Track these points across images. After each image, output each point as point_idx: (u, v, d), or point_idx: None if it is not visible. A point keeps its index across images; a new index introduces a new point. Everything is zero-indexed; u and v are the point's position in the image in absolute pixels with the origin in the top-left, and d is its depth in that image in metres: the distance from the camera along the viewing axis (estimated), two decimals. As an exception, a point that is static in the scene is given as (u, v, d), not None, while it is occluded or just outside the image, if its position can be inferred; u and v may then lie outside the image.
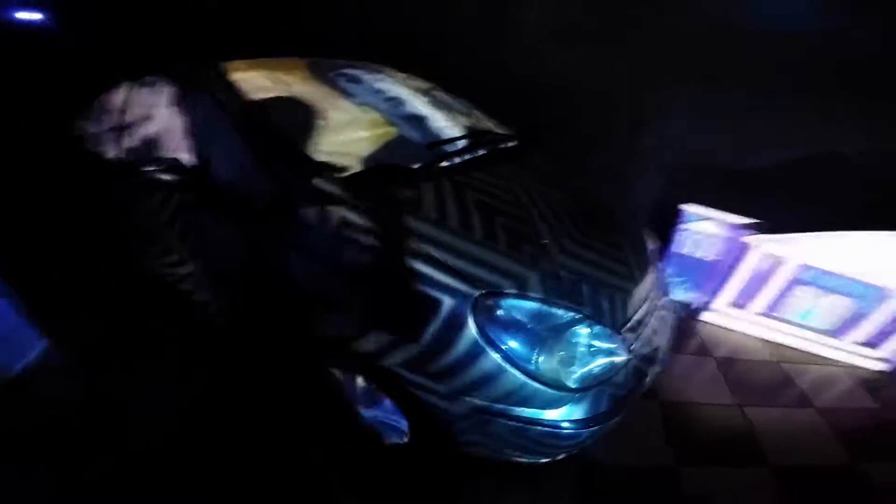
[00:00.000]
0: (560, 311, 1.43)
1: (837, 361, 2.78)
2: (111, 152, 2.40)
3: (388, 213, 1.53)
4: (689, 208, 2.94)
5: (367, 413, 1.82)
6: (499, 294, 1.40)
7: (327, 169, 1.67)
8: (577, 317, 1.44)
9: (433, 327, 1.40)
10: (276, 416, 2.00)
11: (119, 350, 2.29)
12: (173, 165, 1.79)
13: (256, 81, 2.01)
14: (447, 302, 1.38)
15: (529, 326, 1.40)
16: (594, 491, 1.85)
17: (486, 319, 1.38)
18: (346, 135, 1.92)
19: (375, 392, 1.72)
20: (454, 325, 1.38)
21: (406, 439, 1.77)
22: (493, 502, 1.79)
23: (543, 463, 1.63)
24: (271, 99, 1.94)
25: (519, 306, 1.41)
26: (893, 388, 2.62)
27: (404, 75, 2.72)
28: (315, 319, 1.63)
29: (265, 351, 2.11)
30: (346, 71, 2.45)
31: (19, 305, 2.17)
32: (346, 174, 1.67)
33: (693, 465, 1.96)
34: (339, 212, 1.54)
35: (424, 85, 2.68)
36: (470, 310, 1.37)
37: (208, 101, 1.92)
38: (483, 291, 1.39)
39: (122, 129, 2.37)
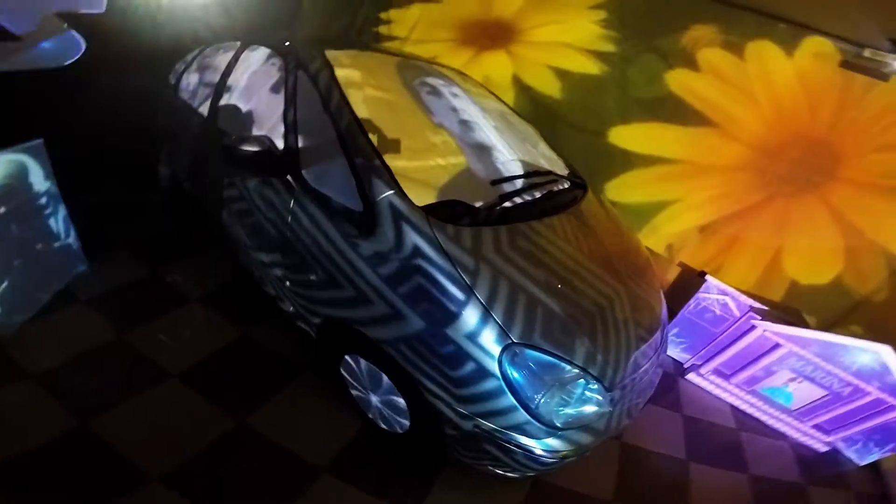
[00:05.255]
0: (567, 367, 1.70)
1: (789, 437, 3.20)
2: (203, 108, 2.53)
3: (451, 249, 1.71)
4: (712, 280, 3.23)
5: (374, 400, 2.13)
6: (524, 345, 1.66)
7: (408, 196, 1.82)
8: (581, 374, 1.72)
9: (467, 359, 1.67)
10: (281, 386, 2.33)
11: (151, 297, 2.56)
12: (268, 149, 1.93)
13: (353, 79, 2.14)
14: (481, 342, 1.65)
15: (540, 374, 1.68)
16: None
17: (510, 362, 1.65)
18: (425, 160, 2.08)
19: (390, 386, 2.00)
20: (484, 360, 1.66)
21: (399, 430, 2.12)
22: (456, 499, 2.15)
23: (508, 476, 1.95)
24: (368, 105, 2.08)
25: (538, 359, 1.67)
26: (824, 469, 3.03)
27: (478, 90, 2.79)
28: (368, 322, 1.87)
29: (297, 327, 2.33)
30: (428, 80, 2.54)
31: (73, 228, 2.40)
32: (423, 204, 1.82)
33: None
34: (413, 238, 1.73)
35: (496, 105, 2.75)
36: (498, 353, 1.64)
37: (314, 91, 2.04)
38: (514, 341, 1.65)
39: (220, 89, 2.48)
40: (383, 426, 2.21)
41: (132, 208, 3.20)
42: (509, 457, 1.80)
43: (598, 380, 1.75)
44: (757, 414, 3.27)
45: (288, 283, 2.23)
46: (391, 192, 1.79)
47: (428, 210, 1.80)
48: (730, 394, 3.32)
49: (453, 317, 1.67)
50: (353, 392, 2.25)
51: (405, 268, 1.73)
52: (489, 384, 1.68)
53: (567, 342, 1.73)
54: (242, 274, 2.62)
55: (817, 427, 3.17)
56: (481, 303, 1.66)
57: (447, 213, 1.83)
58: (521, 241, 1.92)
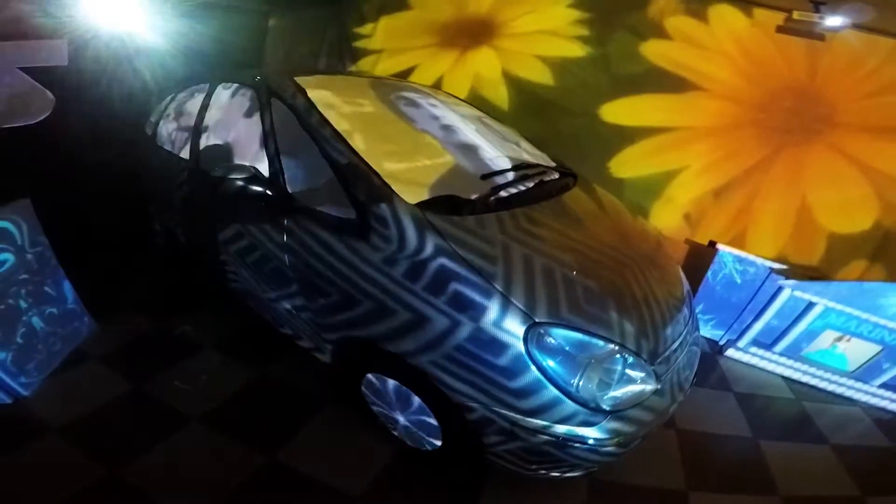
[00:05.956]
0: (601, 343, 1.58)
1: (859, 402, 2.92)
2: (185, 152, 2.53)
3: (452, 238, 1.66)
4: (724, 248, 3.14)
5: (401, 419, 2.01)
6: (549, 324, 1.56)
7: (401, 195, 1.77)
8: (615, 348, 1.59)
9: (488, 348, 1.56)
10: (306, 419, 2.24)
11: (162, 349, 2.53)
12: (254, 175, 1.90)
13: (327, 99, 2.15)
14: (504, 327, 1.55)
15: (573, 354, 1.56)
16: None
17: (536, 345, 1.54)
18: (411, 162, 2.05)
19: (416, 400, 1.87)
20: (507, 347, 1.55)
21: (431, 447, 1.98)
22: None
23: (559, 477, 1.80)
24: (346, 119, 2.07)
25: (566, 336, 1.56)
26: (911, 429, 2.73)
27: (454, 100, 2.87)
28: (386, 333, 1.77)
29: (313, 358, 2.25)
30: (404, 94, 2.59)
31: (74, 290, 2.38)
32: (416, 202, 1.77)
33: (702, 491, 2.15)
34: (413, 234, 1.67)
35: (473, 112, 2.80)
36: (522, 335, 1.54)
37: (290, 114, 2.05)
38: (537, 321, 1.55)
39: (198, 130, 2.48)
40: (414, 445, 2.07)
41: (131, 266, 3.19)
42: (564, 452, 1.64)
43: (637, 354, 1.63)
44: (813, 382, 2.99)
45: (296, 311, 2.13)
46: (381, 192, 1.76)
47: (422, 206, 1.77)
48: (777, 364, 3.06)
49: (471, 306, 1.58)
50: (378, 414, 2.13)
51: (414, 265, 1.66)
52: (515, 370, 1.55)
53: (596, 316, 1.62)
54: (251, 316, 2.56)
55: (886, 386, 2.91)
56: (494, 286, 1.57)
57: (442, 206, 1.80)
58: (525, 223, 1.87)
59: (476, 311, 1.57)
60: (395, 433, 2.11)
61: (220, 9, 3.73)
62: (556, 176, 2.41)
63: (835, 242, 3.13)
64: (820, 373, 2.99)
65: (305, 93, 2.12)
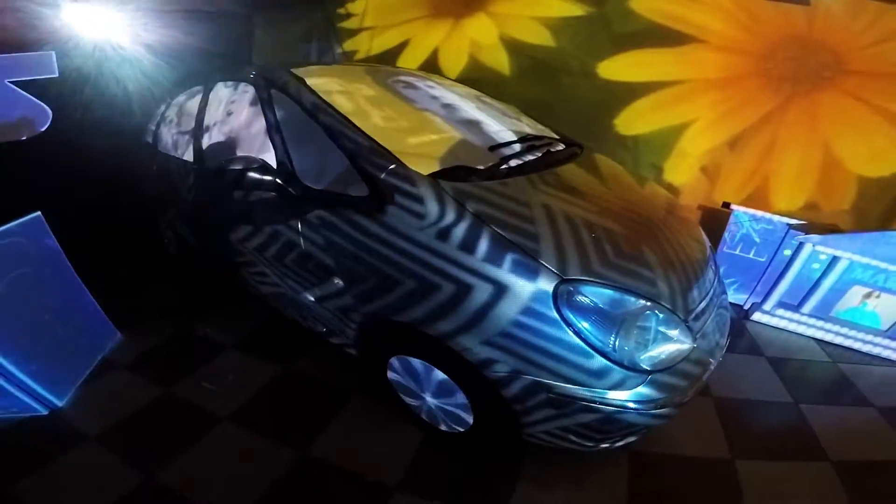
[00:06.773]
0: (633, 298, 1.50)
1: (898, 362, 2.73)
2: (188, 154, 2.52)
3: (473, 208, 1.60)
4: (738, 208, 2.96)
5: (430, 400, 1.91)
6: (579, 281, 1.48)
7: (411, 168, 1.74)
8: (648, 304, 1.51)
9: (517, 310, 1.49)
10: (334, 411, 2.17)
11: (187, 352, 2.52)
12: (262, 165, 1.88)
13: (327, 86, 2.14)
14: (533, 287, 1.47)
15: (606, 311, 1.48)
16: (649, 478, 1.90)
17: (567, 304, 1.46)
18: (418, 138, 2.02)
19: (449, 382, 1.79)
20: (537, 308, 1.47)
21: (464, 428, 1.88)
22: (548, 492, 1.85)
23: (603, 448, 1.69)
24: (347, 102, 2.07)
25: (597, 292, 1.48)
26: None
27: (450, 82, 2.85)
28: (411, 308, 1.70)
29: (335, 348, 2.22)
30: (402, 78, 2.58)
31: (95, 301, 2.39)
32: (429, 173, 1.74)
33: (749, 458, 1.98)
34: (432, 202, 1.62)
35: (471, 91, 2.78)
36: (552, 293, 1.46)
37: (291, 103, 2.04)
38: (565, 277, 1.47)
39: (199, 131, 2.48)
40: (444, 428, 1.98)
41: (146, 273, 3.23)
42: (606, 419, 1.55)
43: (671, 311, 1.55)
44: (847, 343, 2.79)
45: (318, 301, 2.07)
46: (393, 165, 1.72)
47: (435, 177, 1.73)
48: (807, 326, 2.87)
49: (497, 268, 1.51)
50: (406, 398, 2.07)
51: (437, 233, 1.59)
52: (548, 333, 1.48)
53: (627, 270, 1.56)
54: (270, 313, 2.58)
55: (924, 344, 2.71)
56: (519, 246, 1.51)
57: (454, 176, 1.75)
58: (542, 186, 1.83)
59: (502, 273, 1.50)
60: (425, 417, 2.03)
61: (203, 15, 3.66)
62: (562, 147, 2.37)
63: (866, 186, 2.94)
64: (853, 333, 2.79)
65: (304, 81, 2.11)
